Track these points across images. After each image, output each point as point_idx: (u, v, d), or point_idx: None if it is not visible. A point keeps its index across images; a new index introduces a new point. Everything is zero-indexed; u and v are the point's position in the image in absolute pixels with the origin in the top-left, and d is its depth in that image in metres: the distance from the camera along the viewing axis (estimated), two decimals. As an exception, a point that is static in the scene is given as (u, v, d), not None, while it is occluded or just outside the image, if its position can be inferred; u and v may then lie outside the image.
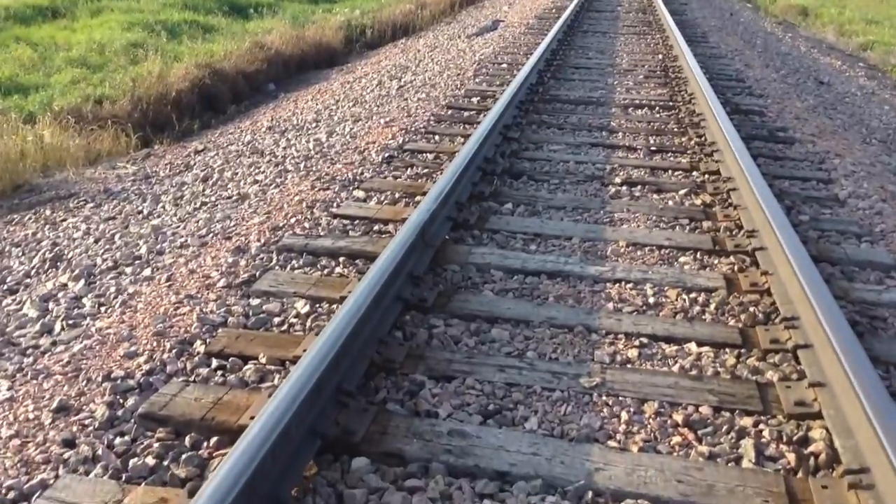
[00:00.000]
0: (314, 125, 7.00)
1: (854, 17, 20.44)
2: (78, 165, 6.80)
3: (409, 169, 4.89)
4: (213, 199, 4.83)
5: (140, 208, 4.85)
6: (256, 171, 5.45)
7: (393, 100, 7.50)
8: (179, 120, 10.25)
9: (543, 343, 2.90)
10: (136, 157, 7.38)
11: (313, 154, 5.60)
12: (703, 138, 5.75)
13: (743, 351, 2.86)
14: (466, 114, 6.42)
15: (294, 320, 2.99)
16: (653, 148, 5.52)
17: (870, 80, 11.50)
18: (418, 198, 4.28)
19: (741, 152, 4.77)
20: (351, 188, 4.55)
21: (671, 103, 7.00)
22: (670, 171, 5.03)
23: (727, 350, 2.87)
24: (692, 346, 2.89)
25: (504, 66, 8.72)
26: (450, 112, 6.47)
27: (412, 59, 11.15)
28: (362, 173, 4.79)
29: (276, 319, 3.00)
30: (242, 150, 6.46)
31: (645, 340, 2.92)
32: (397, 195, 4.40)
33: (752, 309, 3.16)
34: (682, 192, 4.61)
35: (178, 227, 4.32)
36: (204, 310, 3.10)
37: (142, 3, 21.45)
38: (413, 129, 5.88)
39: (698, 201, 4.49)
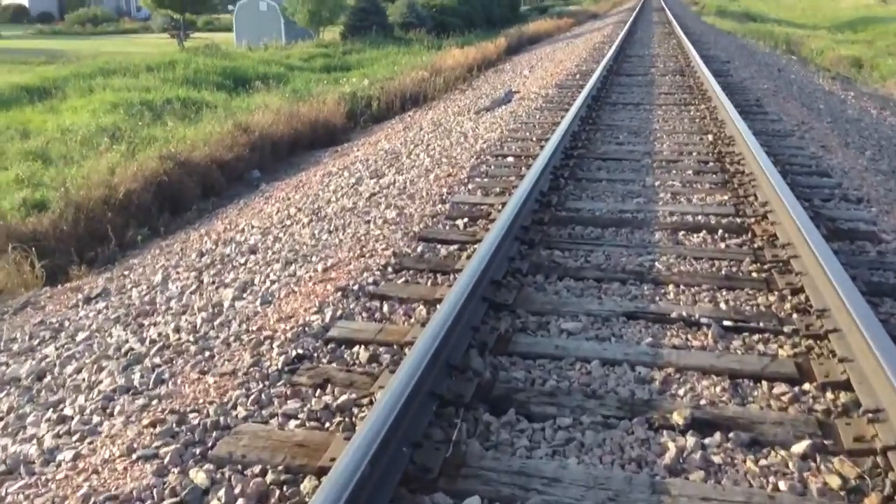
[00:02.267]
0: (241, 263, 5.07)
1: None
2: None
3: (315, 396, 2.88)
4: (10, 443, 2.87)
5: None
6: (104, 363, 3.50)
7: (356, 218, 5.56)
8: (124, 229, 8.44)
9: None
10: (12, 305, 5.49)
11: (198, 338, 3.64)
12: (802, 295, 3.70)
13: None
14: (441, 253, 4.43)
15: None
16: (726, 322, 3.46)
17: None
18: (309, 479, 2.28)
19: (878, 337, 2.78)
20: (199, 446, 2.55)
21: (739, 221, 4.96)
22: (765, 387, 2.96)
23: None
24: None
25: (510, 159, 6.77)
26: (419, 249, 4.48)
27: (409, 142, 9.31)
28: (233, 406, 2.79)
29: None
30: (133, 303, 4.55)
31: None
32: (278, 473, 2.39)
33: None
34: (794, 447, 2.54)
35: None
36: None
37: (140, 80, 20.10)
38: (357, 286, 3.90)
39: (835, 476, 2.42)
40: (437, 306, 3.33)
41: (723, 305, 3.67)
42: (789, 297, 3.72)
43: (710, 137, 7.52)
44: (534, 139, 7.59)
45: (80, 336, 4.22)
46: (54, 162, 11.24)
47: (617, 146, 7.31)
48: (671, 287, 3.87)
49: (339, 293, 3.81)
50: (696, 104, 9.63)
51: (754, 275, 4.06)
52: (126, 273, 5.88)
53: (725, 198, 5.47)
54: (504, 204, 5.01)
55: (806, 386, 2.95)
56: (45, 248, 7.36)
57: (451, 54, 23.04)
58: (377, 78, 19.61)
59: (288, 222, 6.20)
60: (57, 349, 4.08)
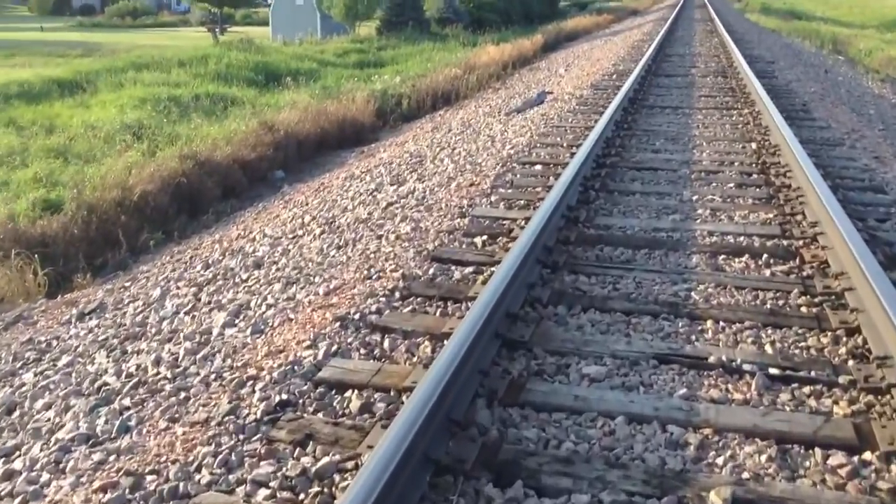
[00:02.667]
0: (243, 280, 4.73)
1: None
2: None
3: (293, 457, 2.49)
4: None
5: None
6: (73, 401, 3.17)
7: (369, 231, 5.19)
8: (138, 232, 8.17)
9: None
10: (4, 319, 5.21)
11: (176, 375, 3.29)
12: (859, 337, 3.26)
13: None
14: (455, 276, 4.04)
15: None
16: (772, 371, 3.02)
17: None
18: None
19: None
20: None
21: (785, 243, 4.51)
22: (818, 455, 2.52)
23: None
24: None
25: (537, 167, 6.35)
26: (431, 272, 4.09)
27: (436, 145, 8.94)
28: (197, 468, 2.41)
29: None
30: (124, 322, 4.23)
31: None
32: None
33: None
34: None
35: None
36: None
37: (171, 75, 19.96)
38: (358, 314, 3.52)
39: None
40: (445, 342, 2.95)
41: (768, 346, 3.23)
42: (844, 339, 3.27)
43: (754, 146, 7.03)
44: (564, 145, 7.16)
45: (63, 361, 3.90)
46: (74, 160, 11.04)
47: (653, 154, 6.85)
48: (708, 324, 3.43)
49: (338, 323, 3.43)
50: (739, 108, 9.11)
51: (804, 308, 3.62)
52: (127, 285, 5.57)
53: (770, 216, 5.01)
54: (528, 219, 4.61)
55: (867, 455, 2.51)
56: (54, 253, 7.11)
57: (487, 51, 22.61)
58: (409, 75, 19.25)
59: (300, 232, 5.85)
60: (35, 375, 3.76)
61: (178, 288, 4.95)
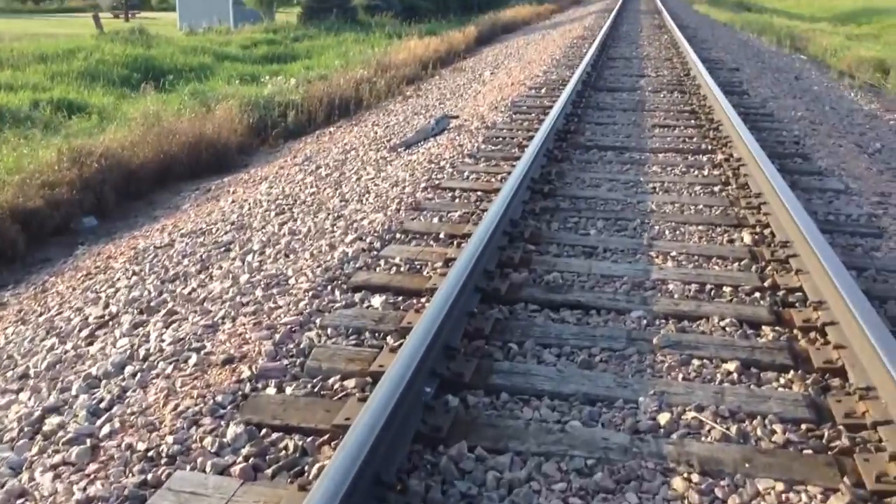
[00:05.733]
0: None
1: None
2: None
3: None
4: None
5: None
6: None
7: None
8: None
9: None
10: None
11: None
12: None
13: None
14: None
15: None
16: None
17: None
18: None
19: None
20: None
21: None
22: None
23: None
24: None
25: (375, 304, 3.54)
26: None
27: (283, 200, 6.14)
28: None
29: None
30: None
31: None
32: None
33: None
34: None
35: None
36: None
37: (27, 74, 16.62)
38: None
39: None
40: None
41: None
42: None
43: (748, 237, 4.33)
44: (442, 236, 4.37)
45: None
46: None
47: (584, 255, 4.10)
48: None
49: None
50: (710, 149, 6.44)
51: None
52: None
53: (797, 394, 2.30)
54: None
55: None
56: None
57: (407, 46, 19.71)
58: (311, 75, 16.24)
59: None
60: None
61: None
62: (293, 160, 9.03)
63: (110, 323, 3.97)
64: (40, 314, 4.83)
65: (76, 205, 8.20)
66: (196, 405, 2.67)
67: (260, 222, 5.53)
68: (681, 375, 2.86)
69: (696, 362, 2.95)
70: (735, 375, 2.86)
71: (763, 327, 3.25)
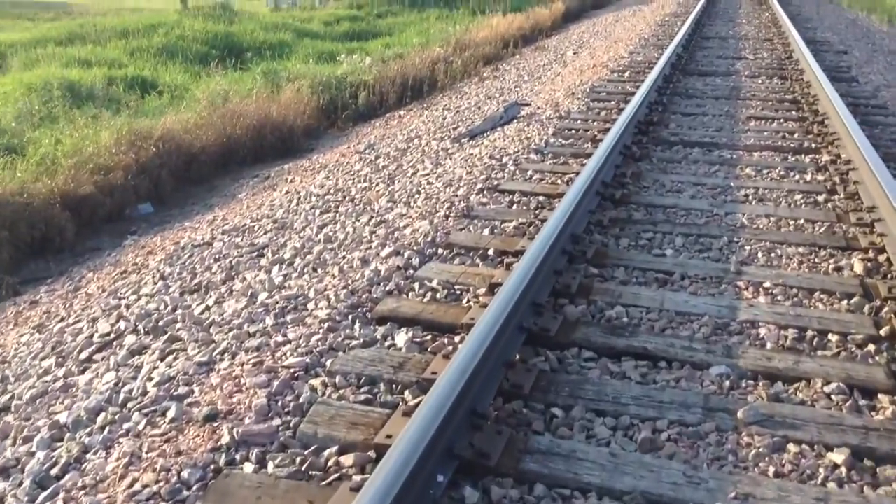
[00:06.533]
0: None
1: None
2: None
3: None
4: None
5: None
6: None
7: None
8: None
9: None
10: None
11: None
12: None
13: None
14: None
15: None
16: None
17: None
18: None
19: None
20: None
21: None
22: None
23: None
24: None
25: (399, 349, 2.98)
26: None
27: (333, 195, 5.69)
28: None
29: None
30: None
31: None
32: None
33: None
34: None
35: None
36: None
37: (107, 50, 16.64)
38: None
39: None
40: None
41: None
42: None
43: (858, 266, 3.58)
44: (493, 247, 3.77)
45: None
46: None
47: (657, 283, 3.44)
48: None
49: None
50: (814, 148, 5.62)
51: None
52: None
53: None
54: None
55: None
56: None
57: (489, 23, 18.98)
58: (388, 54, 15.73)
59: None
60: None
61: None
62: (356, 147, 8.54)
63: (113, 343, 3.54)
64: (61, 319, 4.47)
65: (131, 191, 7.91)
66: (157, 482, 2.17)
67: (302, 222, 5.04)
68: (772, 469, 2.21)
69: (792, 448, 2.29)
70: (843, 471, 2.20)
71: (879, 396, 2.56)
